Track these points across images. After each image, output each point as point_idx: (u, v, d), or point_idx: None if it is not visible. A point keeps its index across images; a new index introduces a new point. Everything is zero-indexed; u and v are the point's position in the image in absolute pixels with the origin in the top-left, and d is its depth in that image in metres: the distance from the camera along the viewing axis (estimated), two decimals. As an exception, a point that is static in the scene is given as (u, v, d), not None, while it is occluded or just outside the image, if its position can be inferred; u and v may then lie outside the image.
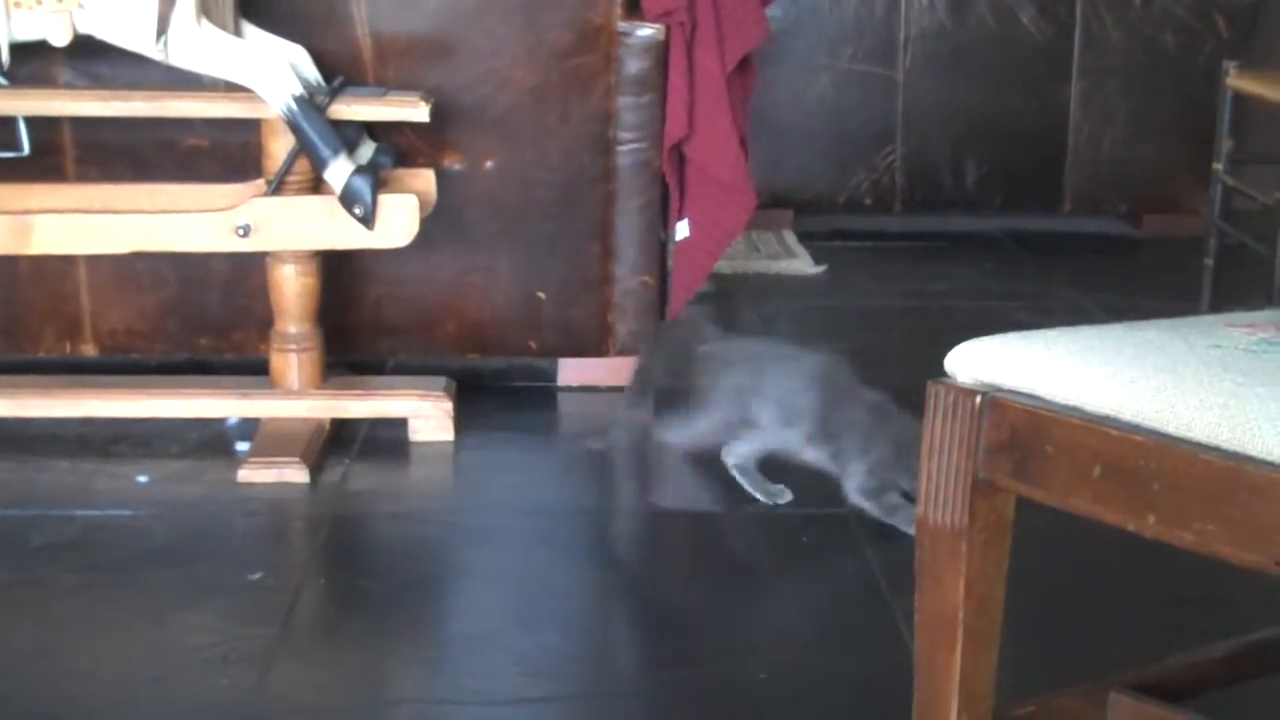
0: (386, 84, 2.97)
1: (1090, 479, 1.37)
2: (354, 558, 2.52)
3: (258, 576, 2.38)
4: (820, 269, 4.23)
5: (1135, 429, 1.34)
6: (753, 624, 2.31)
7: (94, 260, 3.08)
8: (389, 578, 2.43)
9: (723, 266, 3.88)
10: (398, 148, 2.98)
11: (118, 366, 3.13)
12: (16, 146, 2.88)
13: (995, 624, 1.50)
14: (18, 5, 2.69)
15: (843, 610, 2.32)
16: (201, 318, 3.17)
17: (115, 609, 2.30)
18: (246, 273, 3.08)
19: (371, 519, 2.66)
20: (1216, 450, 1.29)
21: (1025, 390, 1.44)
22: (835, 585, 2.40)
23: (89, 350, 3.17)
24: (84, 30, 2.72)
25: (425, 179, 2.95)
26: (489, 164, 3.06)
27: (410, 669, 2.17)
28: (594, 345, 3.18)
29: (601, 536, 2.66)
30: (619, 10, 2.98)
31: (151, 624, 2.25)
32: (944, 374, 1.51)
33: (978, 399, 1.45)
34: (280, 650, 2.15)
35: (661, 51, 3.01)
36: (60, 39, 2.71)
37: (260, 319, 3.07)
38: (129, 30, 2.70)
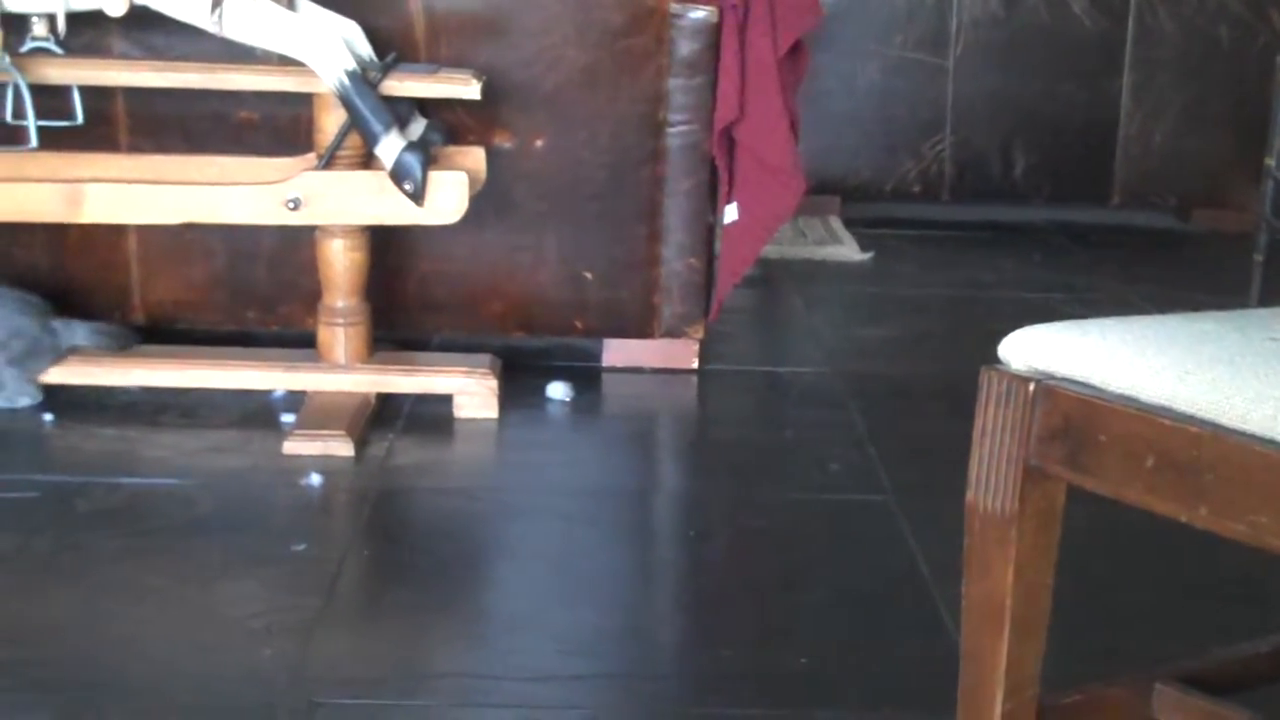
0: (439, 61, 2.97)
1: (1143, 469, 1.36)
2: (397, 531, 2.53)
3: (302, 548, 2.39)
4: (867, 256, 4.22)
5: (1190, 420, 1.33)
6: (793, 608, 2.31)
7: (144, 230, 3.10)
8: (432, 552, 2.43)
9: (769, 251, 3.88)
10: (448, 125, 2.99)
11: (165, 336, 3.14)
12: (70, 115, 2.89)
13: (1043, 612, 1.49)
14: (79, -26, 2.71)
15: (884, 596, 2.31)
16: (249, 290, 3.18)
17: (160, 577, 2.31)
18: (295, 246, 3.09)
19: (415, 493, 2.67)
20: (1272, 443, 1.28)
21: (1079, 378, 1.43)
22: (876, 571, 2.39)
23: (137, 319, 3.19)
24: (139, 1, 2.73)
25: (475, 157, 2.95)
26: (539, 143, 3.06)
27: (451, 643, 2.17)
28: (639, 327, 3.18)
29: (643, 516, 2.66)
30: (672, -8, 2.98)
31: (196, 593, 2.26)
32: (994, 362, 1.50)
33: (1031, 386, 1.45)
34: (323, 621, 2.16)
35: (714, 34, 3.00)
36: (116, 9, 2.72)
37: (307, 292, 3.09)
38: (184, 2, 2.72)
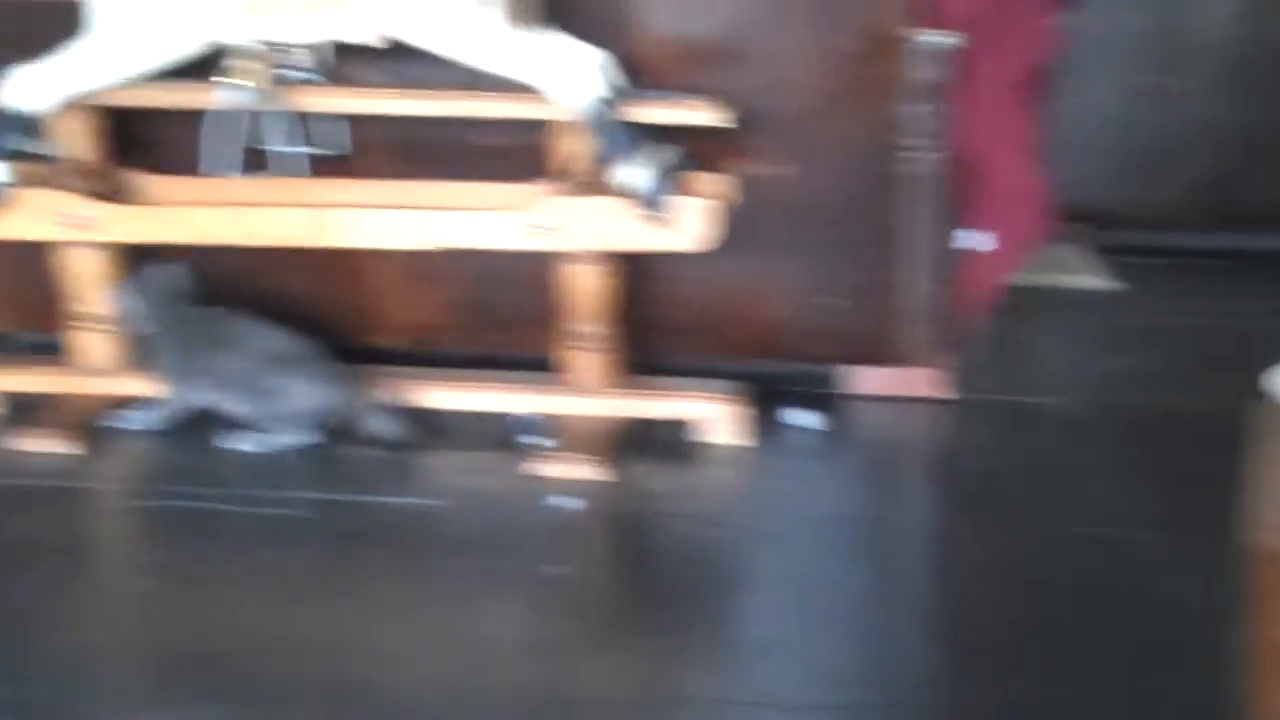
0: (681, 89, 2.99)
1: None
2: (648, 555, 2.56)
3: (558, 569, 2.44)
4: (1113, 285, 4.13)
5: None
6: (1044, 644, 2.27)
7: (392, 254, 3.17)
8: (681, 576, 2.45)
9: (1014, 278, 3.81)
10: (690, 151, 3.00)
11: (412, 358, 3.21)
12: (336, 144, 2.97)
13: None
14: (337, 7, 2.79)
15: (1143, 636, 2.26)
16: (493, 313, 3.23)
17: (425, 593, 2.38)
18: (540, 270, 3.13)
19: (663, 518, 2.69)
20: None
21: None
22: (1134, 609, 2.34)
23: (384, 341, 3.26)
24: (399, 34, 2.81)
25: (717, 183, 2.97)
26: (779, 169, 3.06)
27: (704, 667, 2.19)
28: (884, 354, 3.15)
29: (887, 545, 2.65)
30: (911, 18, 2.96)
31: (459, 609, 2.32)
32: (1254, 395, 1.47)
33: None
34: (582, 642, 2.20)
35: (954, 59, 2.97)
36: (377, 41, 2.81)
37: (552, 316, 3.13)
38: (439, 34, 2.78)
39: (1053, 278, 4.13)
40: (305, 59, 2.88)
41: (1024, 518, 2.69)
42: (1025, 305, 3.81)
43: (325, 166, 3.03)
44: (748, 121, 3.01)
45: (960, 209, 3.08)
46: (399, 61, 3.00)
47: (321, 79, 2.89)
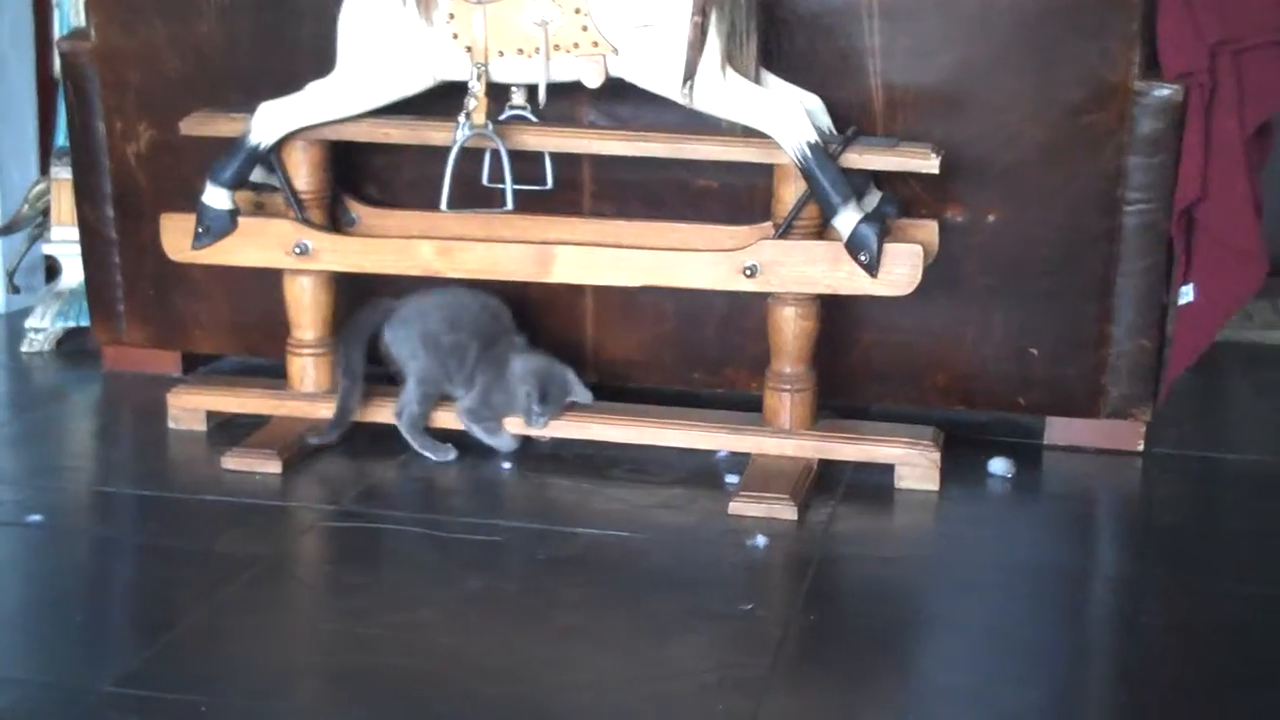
0: (895, 135, 3.00)
1: None
2: (840, 598, 2.56)
3: (749, 608, 2.45)
4: (1312, 341, 4.04)
5: None
6: (1238, 701, 2.23)
7: (600, 291, 3.23)
8: (874, 621, 2.45)
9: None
10: (902, 197, 3.01)
11: (614, 393, 3.26)
12: (540, 180, 3.04)
13: None
14: (557, 49, 2.85)
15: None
16: (697, 352, 3.28)
17: (615, 625, 2.42)
18: (743, 311, 3.17)
19: (856, 561, 2.69)
20: None
21: None
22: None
23: (589, 376, 3.31)
24: (615, 74, 2.87)
25: (928, 230, 2.97)
26: (991, 218, 3.05)
27: (895, 716, 2.19)
28: (1084, 406, 3.13)
29: (1082, 598, 2.62)
30: (1136, 69, 2.93)
31: (649, 643, 2.34)
32: None
33: None
34: (772, 682, 2.21)
35: (1178, 112, 2.93)
36: (593, 81, 2.87)
37: (753, 357, 3.16)
38: (658, 75, 2.84)
39: (1251, 332, 4.04)
40: (520, 98, 2.95)
41: (1214, 574, 2.66)
42: (1222, 360, 3.75)
43: (543, 204, 3.10)
44: (963, 169, 3.01)
45: (1176, 262, 3.03)
46: (613, 102, 3.07)
47: (532, 118, 2.96)
